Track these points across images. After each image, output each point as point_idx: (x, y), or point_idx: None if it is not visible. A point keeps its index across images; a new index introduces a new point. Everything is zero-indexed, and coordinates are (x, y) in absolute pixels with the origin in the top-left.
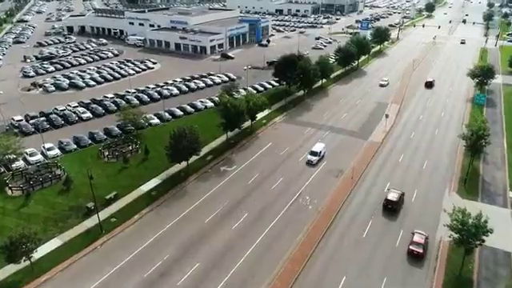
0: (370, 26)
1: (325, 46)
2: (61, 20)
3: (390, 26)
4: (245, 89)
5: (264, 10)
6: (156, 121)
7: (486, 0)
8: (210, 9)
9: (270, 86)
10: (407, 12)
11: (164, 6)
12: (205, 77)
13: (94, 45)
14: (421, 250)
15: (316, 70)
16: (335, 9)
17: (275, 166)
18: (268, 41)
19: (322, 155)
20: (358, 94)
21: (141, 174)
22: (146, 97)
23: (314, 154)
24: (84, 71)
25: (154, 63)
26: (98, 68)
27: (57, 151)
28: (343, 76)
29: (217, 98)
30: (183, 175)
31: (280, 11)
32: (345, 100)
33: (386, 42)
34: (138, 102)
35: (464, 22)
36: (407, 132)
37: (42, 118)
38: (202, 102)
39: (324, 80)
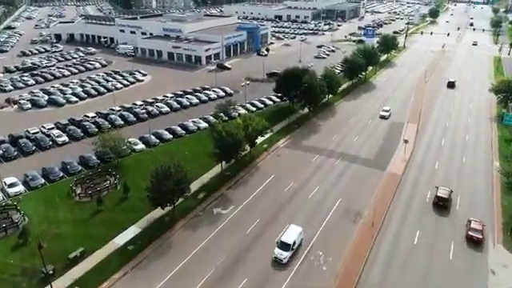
0: (375, 33)
1: (327, 55)
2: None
3: (395, 32)
4: (243, 106)
5: (262, 15)
6: (141, 146)
7: (486, 5)
8: (206, 15)
9: (271, 103)
10: (411, 18)
11: (159, 12)
12: (198, 91)
13: (81, 54)
14: (480, 236)
15: (323, 86)
16: (336, 15)
17: (279, 208)
18: (267, 49)
19: (298, 245)
20: (369, 112)
21: (117, 220)
22: (131, 116)
23: (284, 246)
24: (67, 85)
25: (144, 75)
26: (82, 81)
27: (20, 188)
28: (351, 90)
29: (211, 118)
30: (168, 221)
31: (279, 17)
32: (355, 119)
33: (393, 51)
34: (122, 122)
35: (473, 28)
36: (430, 161)
37: (5, 146)
38: (194, 122)
39: (330, 95)
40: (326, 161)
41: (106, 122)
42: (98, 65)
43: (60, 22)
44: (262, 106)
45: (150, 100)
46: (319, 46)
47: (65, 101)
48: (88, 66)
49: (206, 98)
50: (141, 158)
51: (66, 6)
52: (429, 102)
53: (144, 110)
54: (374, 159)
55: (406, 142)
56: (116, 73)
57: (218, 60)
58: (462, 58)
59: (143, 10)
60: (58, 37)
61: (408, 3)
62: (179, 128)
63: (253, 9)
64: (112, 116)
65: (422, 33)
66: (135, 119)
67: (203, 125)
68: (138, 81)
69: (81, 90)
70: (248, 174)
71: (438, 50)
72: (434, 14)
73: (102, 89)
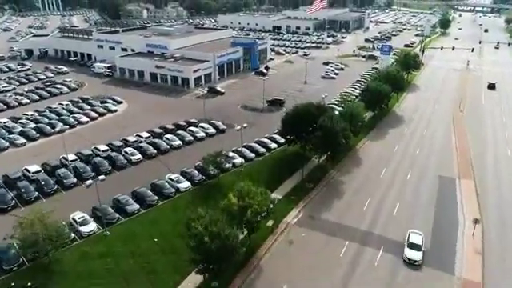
0: (391, 50)
1: (336, 75)
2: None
3: (407, 46)
4: (238, 152)
5: (260, 26)
6: (89, 228)
7: (492, 14)
8: (198, 28)
9: (275, 146)
10: (419, 29)
11: (148, 23)
12: (182, 127)
13: (50, 74)
14: None
15: (346, 131)
16: (340, 26)
17: None
18: (267, 67)
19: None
20: (405, 160)
21: None
22: (88, 170)
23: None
24: (19, 118)
25: (119, 103)
26: (40, 113)
27: None
28: (374, 124)
29: (195, 173)
30: None
31: (278, 28)
32: (388, 172)
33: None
34: (74, 180)
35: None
36: None
37: None
38: (172, 180)
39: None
40: (360, 254)
41: (51, 183)
42: (65, 89)
43: (34, 36)
44: (264, 150)
45: (118, 143)
46: (325, 63)
47: (7, 144)
48: (53, 90)
49: (192, 138)
50: (86, 253)
51: (51, 16)
52: (476, 142)
53: (107, 163)
54: (432, 250)
55: (476, 221)
56: (84, 100)
57: (208, 84)
58: (493, 79)
59: (131, 20)
60: (30, 52)
61: (411, 12)
62: (150, 192)
63: (249, 19)
64: (61, 171)
65: (442, 48)
66: (92, 175)
67: (184, 185)
68: (110, 111)
69: (34, 125)
70: (244, 284)
71: (461, 67)
72: (444, 24)
73: (60, 124)
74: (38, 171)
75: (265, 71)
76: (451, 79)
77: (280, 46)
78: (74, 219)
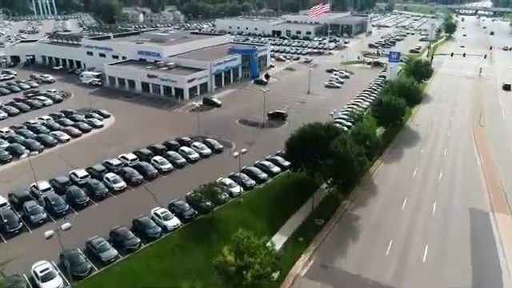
0: (400, 57)
1: (341, 84)
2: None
3: (412, 51)
4: (235, 178)
5: (259, 31)
6: (54, 285)
7: (494, 17)
8: (194, 33)
9: (278, 169)
10: (423, 33)
11: (144, 28)
12: (174, 147)
13: (35, 84)
14: None
15: (361, 155)
16: (341, 30)
17: None
18: (267, 76)
19: None
20: (427, 188)
21: None
22: (60, 203)
23: None
24: None
25: (106, 117)
26: (17, 129)
27: None
28: (386, 142)
29: (186, 207)
30: None
31: (278, 33)
32: (410, 203)
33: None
34: (44, 216)
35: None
36: None
37: None
38: (158, 216)
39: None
40: None
41: (16, 219)
42: (48, 100)
43: (22, 41)
44: (266, 175)
45: (100, 166)
46: (329, 71)
47: None
48: (35, 102)
49: (184, 161)
50: None
51: (44, 21)
52: (504, 164)
53: (84, 194)
54: None
55: None
56: (67, 114)
57: (204, 94)
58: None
59: (126, 25)
60: (17, 59)
61: (413, 16)
62: (132, 233)
63: (248, 23)
64: (29, 204)
65: (452, 54)
66: (66, 208)
67: (172, 222)
68: (95, 127)
69: (7, 144)
70: None
71: (473, 75)
72: (450, 28)
73: (36, 143)
74: (3, 204)
75: (265, 80)
76: (464, 88)
77: (280, 51)
78: (35, 272)
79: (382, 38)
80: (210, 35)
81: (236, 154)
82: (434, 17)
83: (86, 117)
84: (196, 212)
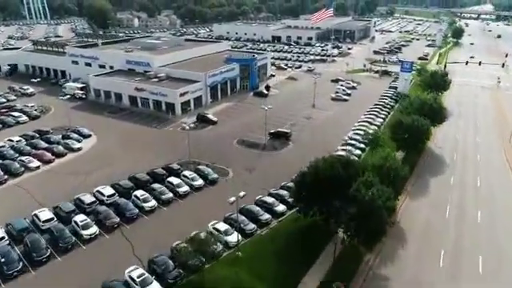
0: (413, 66)
1: (349, 96)
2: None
3: (421, 59)
4: (232, 224)
5: (258, 36)
6: None
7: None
8: (189, 40)
9: (284, 208)
10: (429, 39)
11: (140, 33)
12: (161, 177)
13: (13, 97)
14: None
15: (389, 200)
16: (344, 35)
17: None
18: (267, 87)
19: None
20: (466, 233)
21: None
22: (11, 258)
23: None
24: None
25: (86, 136)
26: None
27: None
28: (410, 169)
29: (170, 264)
30: None
31: (277, 38)
32: (448, 256)
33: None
34: None
35: None
36: None
37: None
38: (133, 282)
39: None
40: None
41: None
42: (24, 117)
43: (4, 49)
44: (269, 217)
45: (69, 206)
46: (334, 81)
47: None
48: (8, 120)
49: (171, 196)
50: None
51: (36, 26)
52: None
53: (44, 245)
54: None
55: None
56: (42, 135)
57: (199, 109)
58: None
59: (119, 30)
60: None
61: (415, 20)
62: None
63: (247, 28)
64: None
65: (467, 63)
66: (17, 268)
67: None
68: (72, 150)
69: None
70: None
71: (490, 85)
72: (457, 34)
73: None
74: None
75: (265, 92)
76: (484, 100)
77: (281, 59)
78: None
79: (387, 43)
80: (205, 42)
81: (232, 199)
82: (437, 21)
83: (63, 137)
84: (182, 272)
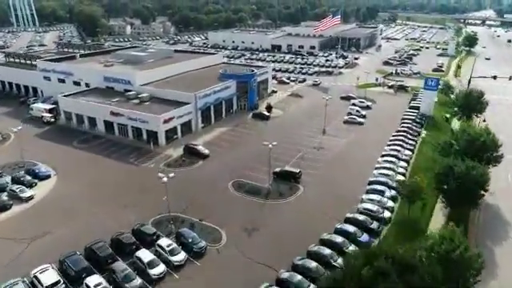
0: (439, 84)
1: (363, 117)
2: None
3: (436, 70)
4: None
5: (256, 45)
6: None
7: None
8: (179, 51)
9: None
10: (438, 47)
11: (132, 41)
12: (128, 248)
13: None
14: None
15: None
16: (348, 44)
17: None
18: (269, 107)
19: None
20: None
21: None
22: None
23: None
24: None
25: (44, 178)
26: None
27: None
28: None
29: None
30: None
31: (278, 48)
32: None
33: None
34: None
35: None
36: None
37: None
38: None
39: None
40: None
41: None
42: None
43: None
44: None
45: None
46: (345, 98)
47: None
48: None
49: (139, 283)
50: None
51: (23, 33)
52: None
53: None
54: None
55: None
56: None
57: (187, 137)
58: None
59: (103, 39)
60: None
61: (419, 27)
62: None
63: (244, 37)
64: None
65: (495, 77)
66: None
67: None
68: (21, 200)
69: None
70: None
71: None
72: (470, 42)
73: None
74: None
75: (266, 114)
76: None
77: (282, 71)
78: None
79: (396, 52)
80: (197, 54)
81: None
82: (442, 28)
83: (13, 180)
84: None
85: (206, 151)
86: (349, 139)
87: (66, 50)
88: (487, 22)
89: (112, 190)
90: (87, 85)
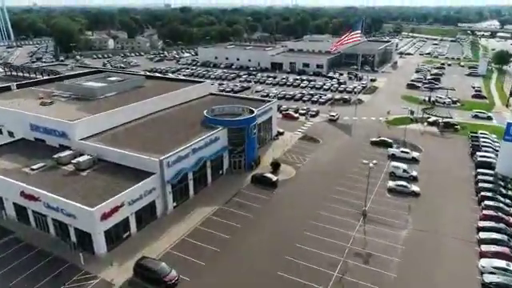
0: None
1: (415, 179)
2: None
3: (475, 97)
4: None
5: (254, 63)
6: None
7: None
8: (151, 78)
9: None
10: (463, 64)
11: (112, 57)
12: None
13: None
14: None
15: None
16: (361, 61)
17: None
18: (276, 164)
19: None
20: None
21: None
22: None
23: None
24: None
25: None
26: None
27: None
28: None
29: None
30: None
31: (278, 66)
32: None
33: None
34: None
35: None
36: None
37: None
38: None
39: None
40: None
41: None
42: None
43: None
44: None
45: None
46: (376, 143)
47: None
48: None
49: None
50: None
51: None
52: None
53: None
54: None
55: None
56: None
57: (145, 229)
58: None
59: (79, 55)
60: None
61: (428, 39)
62: None
63: (239, 53)
64: None
65: None
66: None
67: None
68: None
69: None
70: None
71: None
72: (501, 59)
73: None
74: None
75: (273, 178)
76: None
77: (286, 97)
78: None
79: (418, 72)
80: (177, 82)
81: None
82: (453, 40)
83: None
84: None
85: (175, 274)
86: (407, 231)
87: (15, 73)
88: (499, 34)
89: None
90: (11, 134)
